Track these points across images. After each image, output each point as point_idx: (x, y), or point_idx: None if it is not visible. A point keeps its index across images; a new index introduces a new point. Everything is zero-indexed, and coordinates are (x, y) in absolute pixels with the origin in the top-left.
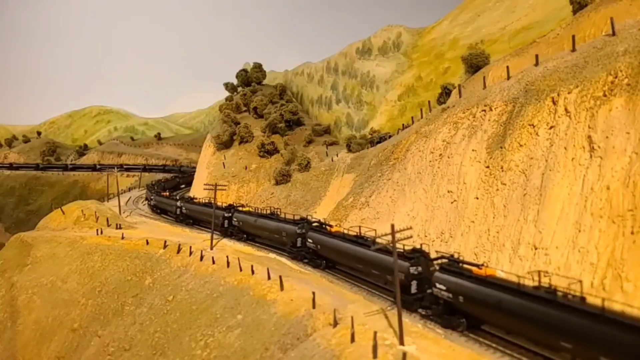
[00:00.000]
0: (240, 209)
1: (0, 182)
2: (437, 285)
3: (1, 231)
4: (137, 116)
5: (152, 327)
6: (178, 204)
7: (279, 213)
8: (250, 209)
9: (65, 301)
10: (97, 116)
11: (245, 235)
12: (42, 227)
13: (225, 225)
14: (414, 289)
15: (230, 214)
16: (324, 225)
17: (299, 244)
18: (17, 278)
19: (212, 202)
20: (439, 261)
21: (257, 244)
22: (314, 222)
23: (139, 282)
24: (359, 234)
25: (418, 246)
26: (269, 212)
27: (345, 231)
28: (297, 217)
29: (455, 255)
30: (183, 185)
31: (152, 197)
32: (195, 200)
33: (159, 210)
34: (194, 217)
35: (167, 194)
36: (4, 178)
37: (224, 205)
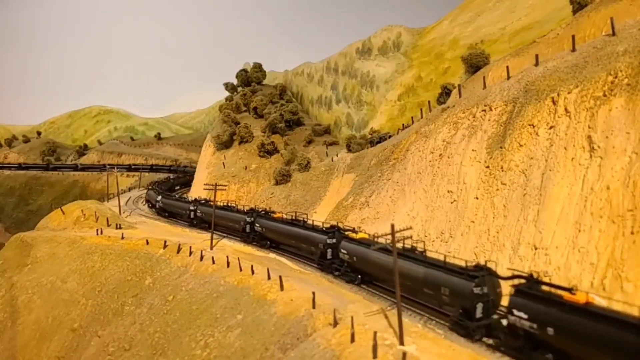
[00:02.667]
0: (263, 213)
1: (0, 182)
2: (515, 312)
3: (1, 231)
4: (137, 116)
5: (152, 327)
6: (191, 207)
7: (305, 219)
8: (280, 215)
9: (65, 301)
10: (97, 116)
11: (268, 243)
12: (42, 227)
13: (247, 230)
14: (479, 314)
15: (252, 219)
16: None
17: (329, 256)
18: (17, 278)
19: (233, 205)
20: (514, 280)
21: (285, 253)
22: (347, 230)
23: (139, 282)
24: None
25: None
26: (294, 217)
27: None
28: (326, 225)
29: (535, 275)
30: (177, 187)
31: (158, 200)
32: (211, 203)
33: (167, 213)
34: (210, 221)
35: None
36: (4, 178)
37: (245, 208)
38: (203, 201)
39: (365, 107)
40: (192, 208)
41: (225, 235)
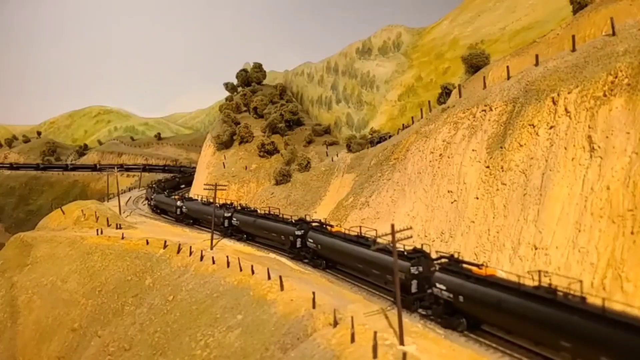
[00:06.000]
0: (317, 226)
1: (0, 182)
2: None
3: (1, 231)
4: (137, 116)
5: (152, 327)
6: (226, 213)
7: (368, 237)
8: (338, 229)
9: (65, 301)
10: (97, 116)
11: (324, 262)
12: (42, 227)
13: (297, 245)
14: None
15: (302, 232)
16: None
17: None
18: (17, 278)
19: (277, 213)
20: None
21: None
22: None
23: (139, 282)
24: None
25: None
26: (359, 234)
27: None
28: (409, 249)
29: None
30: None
31: (179, 205)
32: (248, 210)
33: (191, 220)
34: (249, 232)
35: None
36: (4, 178)
37: (293, 218)
38: (240, 208)
39: (366, 107)
40: (227, 215)
41: (271, 248)
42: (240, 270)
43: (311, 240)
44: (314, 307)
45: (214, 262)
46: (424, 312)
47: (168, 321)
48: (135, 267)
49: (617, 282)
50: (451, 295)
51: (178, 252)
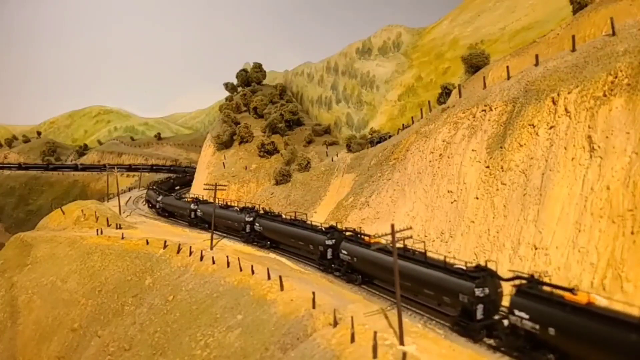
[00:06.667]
0: (351, 236)
1: (0, 182)
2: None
3: (1, 231)
4: (137, 116)
5: (152, 327)
6: (247, 218)
7: (413, 249)
8: (374, 239)
9: (65, 301)
10: (97, 116)
11: (360, 277)
12: (42, 227)
13: (328, 256)
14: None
15: (333, 242)
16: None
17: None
18: (17, 278)
19: (302, 219)
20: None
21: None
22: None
23: (139, 282)
24: None
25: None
26: (406, 247)
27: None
28: (457, 264)
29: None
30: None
31: (196, 208)
32: (272, 215)
33: (206, 224)
34: (273, 238)
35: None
36: (4, 178)
37: (323, 226)
38: (263, 212)
39: (365, 107)
40: (248, 220)
41: (300, 258)
42: (240, 270)
43: (345, 252)
44: (314, 307)
45: (214, 262)
46: (494, 344)
47: (168, 321)
48: (135, 267)
49: (617, 282)
50: (537, 327)
51: (178, 252)
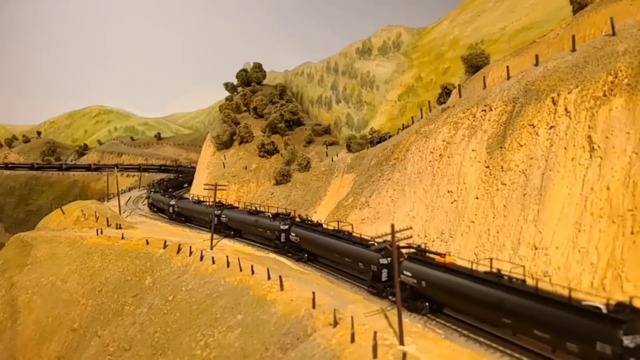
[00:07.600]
0: (418, 253)
1: (0, 182)
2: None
3: (1, 231)
4: (137, 116)
5: (152, 327)
6: (282, 226)
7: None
8: (449, 259)
9: (65, 301)
10: (97, 116)
11: (427, 305)
12: (42, 227)
13: (383, 278)
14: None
15: (389, 260)
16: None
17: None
18: (17, 278)
19: (347, 231)
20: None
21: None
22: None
23: (139, 282)
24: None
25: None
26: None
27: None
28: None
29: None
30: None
31: (220, 212)
32: (310, 224)
33: (232, 231)
34: (312, 251)
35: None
36: (4, 178)
37: (375, 241)
38: (299, 220)
39: (365, 107)
40: (283, 228)
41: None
42: (240, 270)
43: (409, 274)
44: (314, 307)
45: (213, 262)
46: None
47: (168, 321)
48: (135, 267)
49: (617, 282)
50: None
51: (178, 252)
